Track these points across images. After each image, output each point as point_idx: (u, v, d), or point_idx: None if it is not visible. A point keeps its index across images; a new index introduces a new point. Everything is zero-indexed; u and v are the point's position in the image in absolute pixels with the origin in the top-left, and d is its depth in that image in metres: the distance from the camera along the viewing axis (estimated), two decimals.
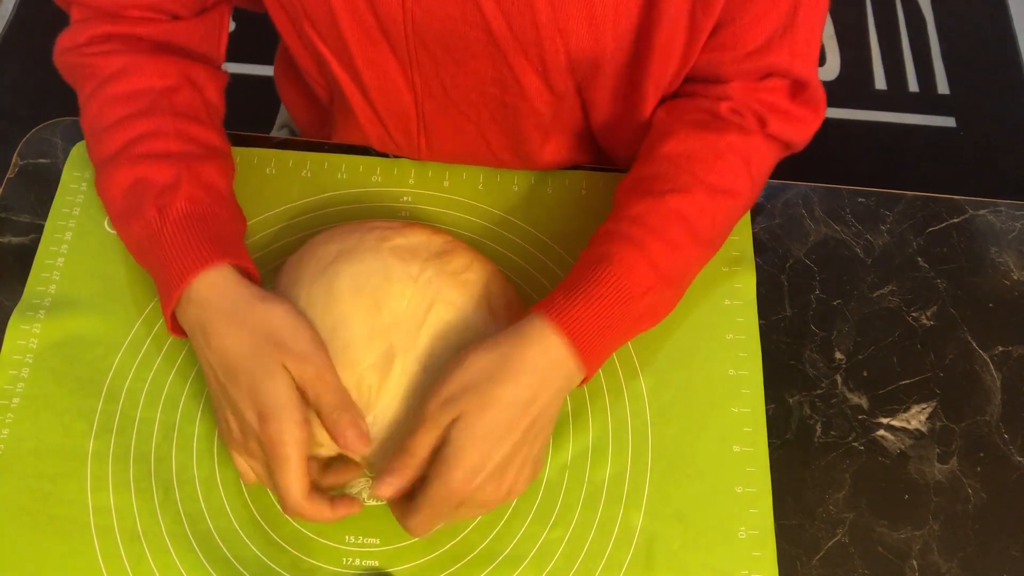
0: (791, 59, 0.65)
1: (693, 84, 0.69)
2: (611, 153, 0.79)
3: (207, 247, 0.60)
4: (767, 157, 0.67)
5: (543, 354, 0.58)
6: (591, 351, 0.59)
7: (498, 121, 0.73)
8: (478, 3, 0.62)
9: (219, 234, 0.62)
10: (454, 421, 0.55)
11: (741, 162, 0.65)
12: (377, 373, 0.59)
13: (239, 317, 0.58)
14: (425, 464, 0.56)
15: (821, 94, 0.67)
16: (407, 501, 0.57)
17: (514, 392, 0.56)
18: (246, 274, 0.62)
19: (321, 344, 0.58)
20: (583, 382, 0.61)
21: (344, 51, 0.68)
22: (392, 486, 0.56)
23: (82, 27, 0.67)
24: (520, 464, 0.57)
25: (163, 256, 0.60)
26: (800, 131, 0.67)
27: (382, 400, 0.59)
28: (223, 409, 0.59)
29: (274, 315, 0.58)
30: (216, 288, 0.59)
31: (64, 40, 0.68)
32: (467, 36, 0.64)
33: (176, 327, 0.62)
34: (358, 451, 0.57)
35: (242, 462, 0.60)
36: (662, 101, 0.70)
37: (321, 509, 0.57)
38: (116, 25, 0.67)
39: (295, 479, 0.55)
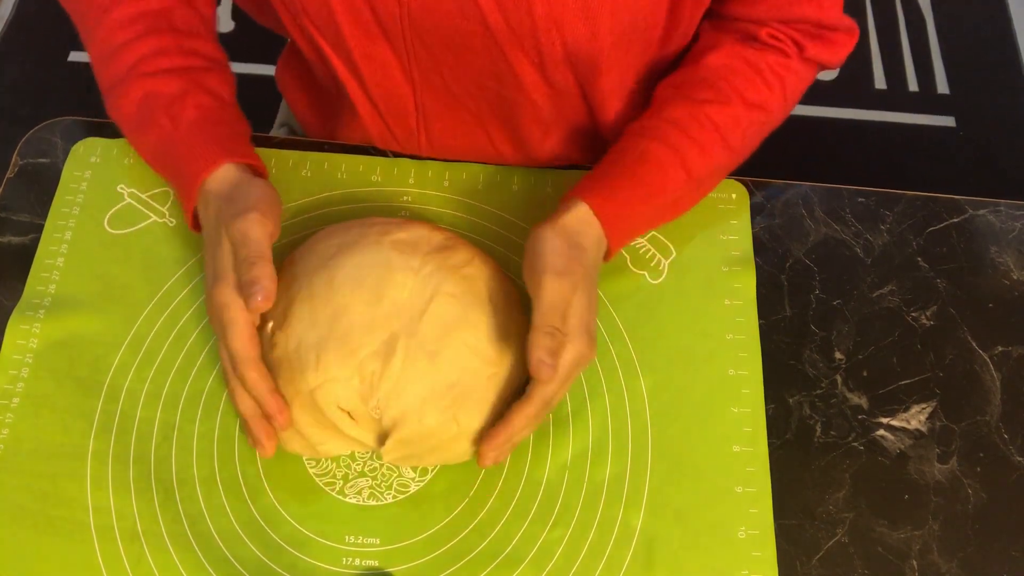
0: (819, 11, 0.69)
1: (731, 20, 0.72)
2: None
3: (215, 149, 0.65)
4: (803, 79, 0.72)
5: (594, 234, 0.65)
6: (621, 239, 0.67)
7: (497, 114, 0.74)
8: None
9: (225, 136, 0.67)
10: (570, 294, 0.60)
11: (777, 81, 0.70)
12: (379, 360, 0.60)
13: (226, 196, 0.63)
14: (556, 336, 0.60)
15: (852, 22, 0.72)
16: (521, 406, 0.60)
17: (591, 259, 0.64)
18: (252, 169, 0.67)
19: (265, 202, 0.62)
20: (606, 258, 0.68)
21: (342, 46, 0.68)
22: (552, 368, 0.58)
23: None
24: (593, 318, 0.63)
25: (178, 160, 0.66)
26: (836, 52, 0.71)
27: (385, 385, 0.59)
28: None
29: (248, 188, 0.63)
30: (223, 183, 0.64)
31: None
32: (463, 29, 0.65)
33: (196, 224, 0.67)
34: (255, 307, 0.58)
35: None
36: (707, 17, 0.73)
37: (262, 379, 0.60)
38: None
39: (238, 337, 0.59)
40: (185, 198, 0.66)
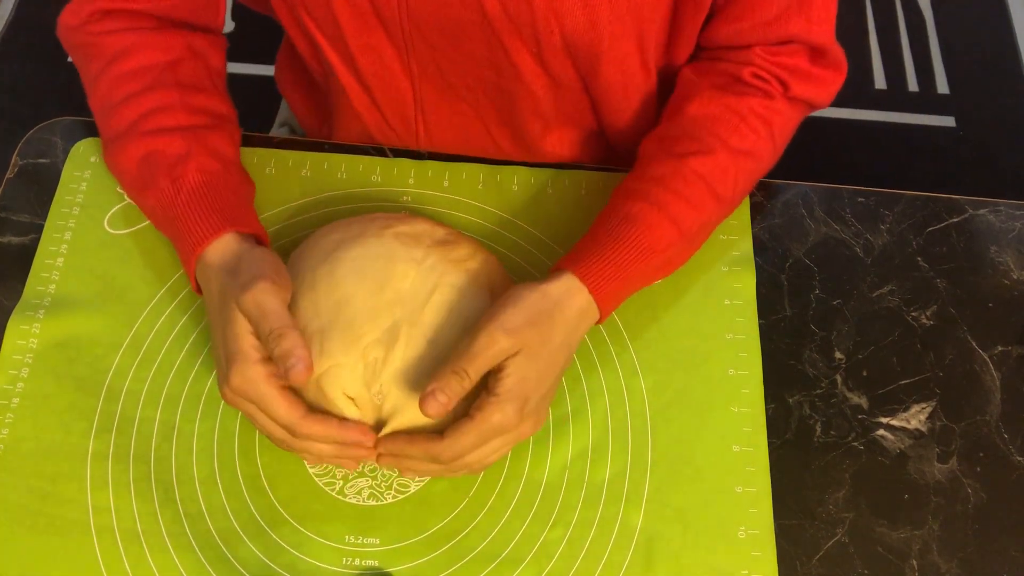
0: (808, 26, 0.67)
1: (716, 50, 0.70)
2: (622, 150, 0.79)
3: (216, 218, 0.63)
4: (790, 119, 0.70)
5: (577, 306, 0.62)
6: (610, 303, 0.64)
7: (496, 106, 0.73)
8: None
9: (228, 203, 0.65)
10: (513, 355, 0.57)
11: (763, 125, 0.68)
12: (382, 347, 0.60)
13: (230, 270, 0.61)
14: (473, 391, 0.58)
15: (841, 55, 0.70)
16: (430, 438, 0.58)
17: (562, 335, 0.60)
18: (255, 238, 0.65)
19: (272, 269, 0.59)
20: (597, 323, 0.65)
21: (339, 38, 0.68)
22: (442, 405, 0.56)
23: (82, 3, 0.69)
24: (550, 397, 0.62)
25: (178, 227, 0.64)
26: (822, 91, 0.70)
27: (387, 372, 0.59)
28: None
29: (251, 258, 0.61)
30: (224, 254, 0.62)
31: (66, 17, 0.71)
32: (462, 18, 0.65)
33: (199, 288, 0.65)
34: (297, 380, 0.56)
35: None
36: (688, 61, 0.72)
37: (328, 424, 0.57)
38: (114, 1, 0.69)
39: (281, 406, 0.57)
40: (185, 264, 0.64)
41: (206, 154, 0.66)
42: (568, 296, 0.62)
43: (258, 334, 0.57)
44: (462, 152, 0.77)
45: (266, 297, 0.57)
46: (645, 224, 0.64)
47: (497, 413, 0.57)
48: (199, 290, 0.65)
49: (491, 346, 0.57)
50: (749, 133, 0.67)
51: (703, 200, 0.66)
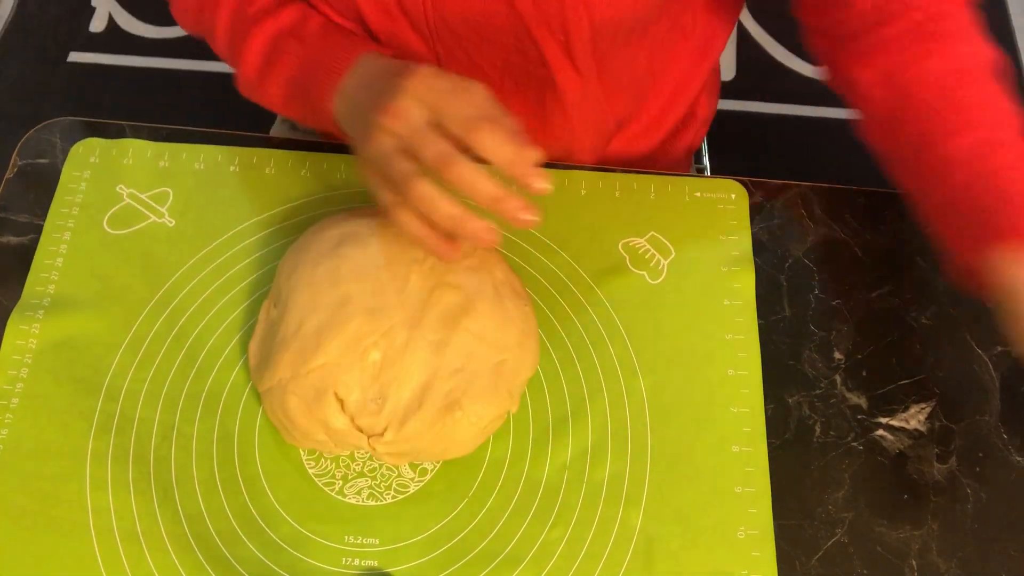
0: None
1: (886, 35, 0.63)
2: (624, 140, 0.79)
3: (362, 42, 0.65)
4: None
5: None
6: None
7: (522, 90, 0.73)
8: None
9: (365, 36, 0.66)
10: None
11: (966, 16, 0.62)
12: (382, 349, 0.60)
13: (404, 64, 0.58)
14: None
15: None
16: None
17: None
18: None
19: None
20: None
21: (364, 27, 0.68)
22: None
23: None
24: None
25: (321, 61, 0.64)
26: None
27: (386, 375, 0.60)
28: (361, 122, 0.58)
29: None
30: (381, 57, 0.62)
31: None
32: (488, 9, 0.64)
33: (330, 118, 0.64)
34: (529, 157, 0.53)
35: (404, 212, 0.56)
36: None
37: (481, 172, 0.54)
38: None
39: (474, 97, 0.55)
40: (329, 84, 0.62)
41: (320, 13, 0.67)
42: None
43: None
44: None
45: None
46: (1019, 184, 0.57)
47: None
48: (330, 119, 0.64)
49: None
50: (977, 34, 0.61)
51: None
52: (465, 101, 0.54)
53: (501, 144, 0.52)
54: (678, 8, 0.70)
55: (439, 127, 0.54)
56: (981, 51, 0.60)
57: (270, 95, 0.69)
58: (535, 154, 0.53)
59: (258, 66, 0.68)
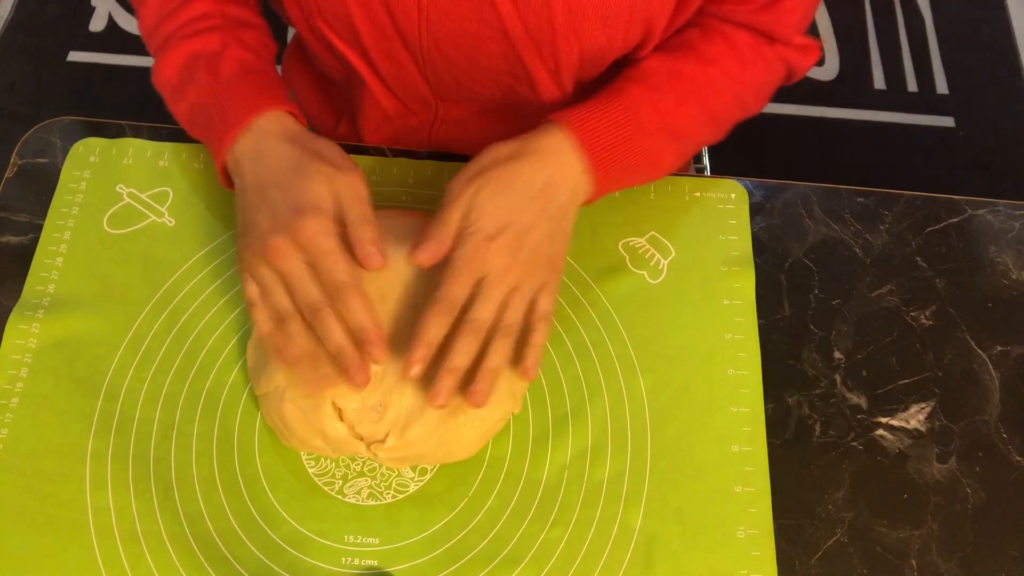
0: (778, 21, 0.69)
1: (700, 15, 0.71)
2: None
3: (266, 94, 0.65)
4: (773, 68, 0.71)
5: (557, 150, 0.62)
6: (599, 164, 0.63)
7: (512, 105, 0.74)
8: (494, 3, 0.62)
9: (274, 84, 0.67)
10: (476, 191, 0.59)
11: (752, 56, 0.70)
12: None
13: (297, 142, 0.62)
14: (453, 237, 0.59)
15: (814, 40, 0.72)
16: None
17: (531, 171, 0.61)
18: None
19: (360, 170, 0.62)
20: (589, 199, 0.65)
21: (358, 44, 0.69)
22: (429, 251, 0.58)
23: None
24: (536, 244, 0.60)
25: (222, 108, 0.65)
26: (801, 58, 0.72)
27: (387, 383, 0.60)
28: (251, 233, 0.60)
29: (326, 143, 0.63)
30: (278, 122, 0.64)
31: None
32: (481, 35, 0.65)
33: (226, 176, 0.66)
34: (372, 266, 0.58)
35: (260, 311, 0.60)
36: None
37: (370, 303, 0.58)
38: None
39: (343, 260, 0.57)
40: (224, 135, 0.64)
41: (243, 48, 0.68)
42: (546, 136, 0.62)
43: (345, 215, 0.59)
44: (481, 136, 0.77)
45: (365, 189, 0.60)
46: (630, 99, 0.65)
47: (468, 241, 0.58)
48: (225, 175, 0.66)
49: (451, 197, 0.60)
50: (739, 59, 0.69)
51: (687, 99, 0.67)
52: (338, 268, 0.57)
53: (357, 313, 0.57)
54: (661, 32, 0.71)
55: (313, 271, 0.58)
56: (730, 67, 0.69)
57: (177, 111, 0.70)
58: (380, 336, 0.57)
59: (171, 80, 0.68)
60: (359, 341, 0.57)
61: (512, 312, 0.59)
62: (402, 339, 0.60)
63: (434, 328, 0.57)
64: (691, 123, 0.68)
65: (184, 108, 0.68)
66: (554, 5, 0.61)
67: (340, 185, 0.59)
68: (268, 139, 0.63)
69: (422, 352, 0.57)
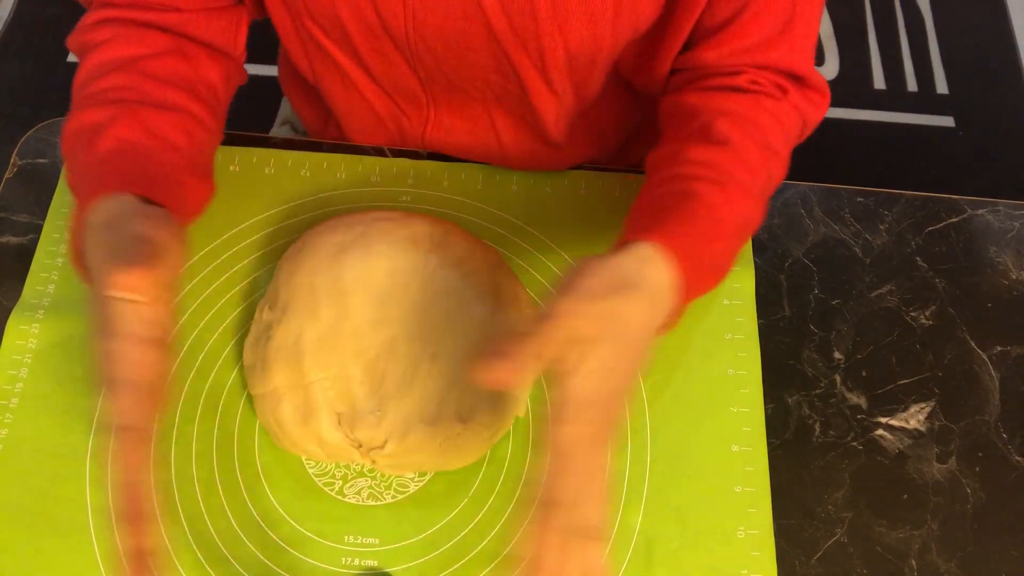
0: (790, 54, 0.65)
1: (705, 69, 0.67)
2: (609, 152, 0.79)
3: (116, 179, 0.57)
4: (794, 122, 0.66)
5: (658, 280, 0.53)
6: (688, 289, 0.55)
7: (505, 105, 0.74)
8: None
9: (137, 169, 0.58)
10: (591, 341, 0.49)
11: (778, 123, 0.64)
12: (383, 361, 0.60)
13: (109, 229, 0.54)
14: (542, 364, 0.49)
15: (823, 80, 0.68)
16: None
17: (642, 314, 0.51)
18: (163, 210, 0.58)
19: (142, 253, 0.52)
20: (664, 329, 0.56)
21: (347, 43, 0.69)
22: (503, 372, 0.48)
23: (90, 12, 0.68)
24: (622, 407, 0.52)
25: (76, 190, 0.59)
26: (813, 108, 0.67)
27: (387, 387, 0.60)
28: None
29: (131, 221, 0.54)
30: (102, 211, 0.55)
31: (77, 25, 0.68)
32: (467, 31, 0.65)
33: (79, 260, 0.58)
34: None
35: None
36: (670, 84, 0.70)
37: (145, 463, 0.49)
38: (117, 11, 0.66)
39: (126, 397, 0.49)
40: (75, 227, 0.57)
41: (134, 125, 0.60)
42: (648, 268, 0.53)
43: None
44: (475, 135, 0.77)
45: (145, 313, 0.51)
46: (707, 202, 0.57)
47: (567, 427, 0.48)
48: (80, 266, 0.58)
49: (569, 314, 0.49)
50: (769, 130, 0.64)
51: (747, 188, 0.61)
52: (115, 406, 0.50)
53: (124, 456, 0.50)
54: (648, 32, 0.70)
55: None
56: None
57: (68, 168, 0.63)
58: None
59: (64, 152, 0.62)
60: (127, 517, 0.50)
61: (596, 505, 0.50)
62: (394, 342, 0.60)
63: (552, 553, 0.48)
64: (753, 215, 0.62)
65: (68, 169, 0.62)
66: (537, 1, 0.61)
67: (115, 249, 0.51)
68: (92, 231, 0.55)
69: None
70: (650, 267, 0.53)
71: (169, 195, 0.58)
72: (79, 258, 0.57)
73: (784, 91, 0.65)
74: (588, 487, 0.49)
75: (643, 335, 0.51)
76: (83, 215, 0.56)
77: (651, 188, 0.61)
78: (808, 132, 0.69)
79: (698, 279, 0.57)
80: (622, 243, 0.55)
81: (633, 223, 0.57)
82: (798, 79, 0.66)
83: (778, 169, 0.65)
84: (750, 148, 0.61)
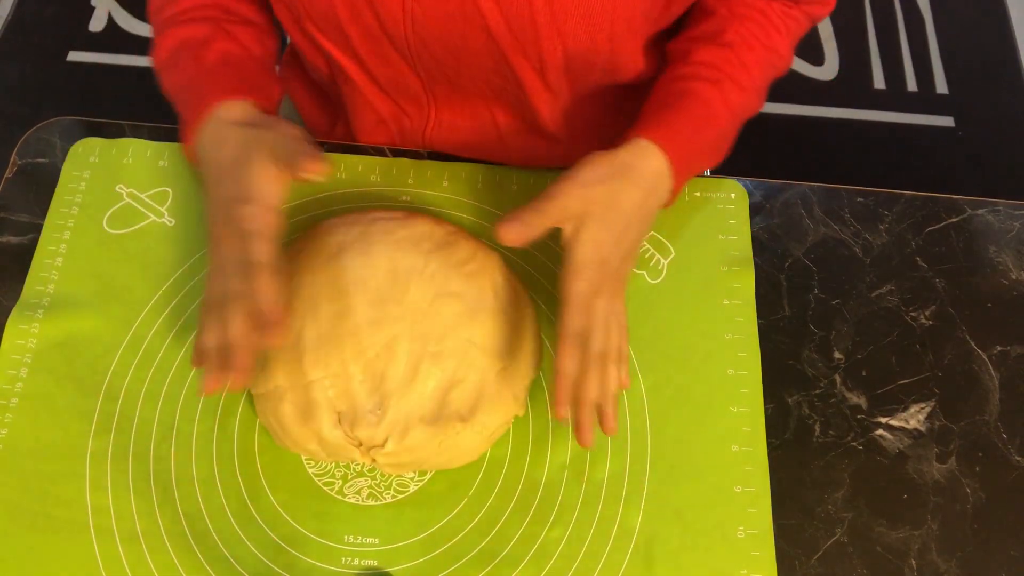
0: None
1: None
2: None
3: (237, 85, 0.67)
4: (803, 25, 0.74)
5: (652, 168, 0.64)
6: (681, 172, 0.66)
7: (505, 105, 0.74)
8: (476, 2, 0.62)
9: (252, 76, 0.69)
10: (583, 217, 0.60)
11: (785, 27, 0.72)
12: (383, 360, 0.60)
13: (252, 126, 0.64)
14: (546, 229, 0.61)
15: None
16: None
17: (632, 196, 0.62)
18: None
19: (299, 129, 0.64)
20: (667, 204, 0.68)
21: (348, 46, 0.69)
22: (515, 232, 0.60)
23: None
24: (630, 267, 0.64)
25: (194, 95, 0.67)
26: (820, 5, 0.74)
27: (387, 387, 0.60)
28: (207, 224, 0.62)
29: (283, 123, 0.64)
30: (241, 111, 0.66)
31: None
32: (466, 34, 0.65)
33: (193, 152, 0.67)
34: (312, 169, 0.58)
35: (210, 319, 0.58)
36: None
37: (277, 288, 0.57)
38: None
39: (266, 245, 0.58)
40: (191, 119, 0.67)
41: (229, 40, 0.70)
42: (644, 156, 0.64)
43: (286, 157, 0.60)
44: (476, 132, 0.77)
45: (296, 130, 0.63)
46: (703, 100, 0.67)
47: (583, 273, 0.59)
48: (192, 153, 0.67)
49: (559, 196, 0.60)
50: (775, 33, 0.71)
51: (745, 84, 0.69)
52: (253, 250, 0.58)
53: (259, 295, 0.57)
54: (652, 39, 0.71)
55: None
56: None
57: (167, 90, 0.72)
58: (277, 319, 0.57)
59: (163, 61, 0.71)
60: (258, 325, 0.56)
61: (616, 336, 0.61)
62: (394, 341, 0.60)
63: (571, 364, 0.58)
64: (748, 105, 0.70)
65: (168, 89, 0.71)
66: (535, 3, 0.61)
67: (277, 145, 0.60)
68: (224, 128, 0.64)
69: (567, 391, 0.58)
70: (645, 157, 0.64)
71: (262, 98, 0.68)
72: (193, 147, 0.67)
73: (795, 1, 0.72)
74: (600, 324, 0.59)
75: (633, 212, 0.62)
76: (206, 112, 0.65)
77: (658, 88, 0.70)
78: (818, 19, 0.76)
79: (692, 163, 0.67)
80: (626, 138, 0.65)
81: (639, 122, 0.67)
82: None
83: (781, 63, 0.73)
84: (754, 48, 0.70)
